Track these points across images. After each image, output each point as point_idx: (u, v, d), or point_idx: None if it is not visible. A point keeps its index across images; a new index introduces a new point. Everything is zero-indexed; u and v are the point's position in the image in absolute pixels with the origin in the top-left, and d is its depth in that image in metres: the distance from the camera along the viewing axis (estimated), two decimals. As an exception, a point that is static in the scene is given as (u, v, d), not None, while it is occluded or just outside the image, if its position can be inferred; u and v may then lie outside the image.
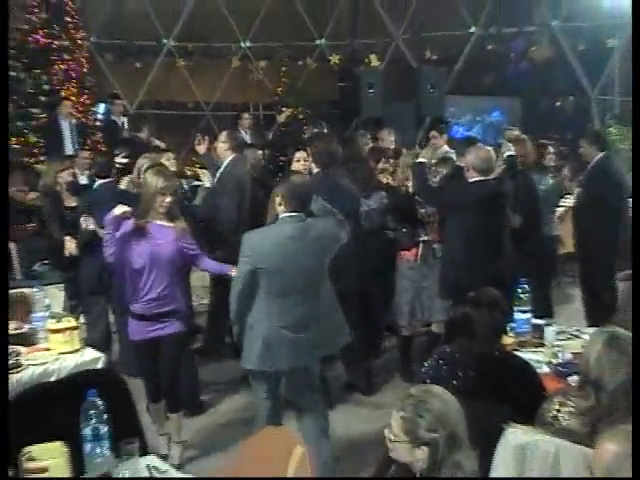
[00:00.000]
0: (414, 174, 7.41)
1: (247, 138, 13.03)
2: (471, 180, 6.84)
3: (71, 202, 8.33)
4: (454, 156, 8.92)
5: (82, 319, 7.77)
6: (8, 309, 4.79)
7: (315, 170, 7.23)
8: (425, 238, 7.48)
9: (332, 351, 5.91)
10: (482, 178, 6.78)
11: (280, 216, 5.57)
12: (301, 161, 7.97)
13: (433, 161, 8.03)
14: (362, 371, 7.77)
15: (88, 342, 6.31)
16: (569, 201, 9.94)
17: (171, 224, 6.06)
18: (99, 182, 7.95)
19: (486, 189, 6.76)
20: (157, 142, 13.05)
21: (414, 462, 3.37)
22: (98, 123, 15.24)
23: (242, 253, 5.54)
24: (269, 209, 5.73)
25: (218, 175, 8.05)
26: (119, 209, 5.88)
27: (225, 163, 8.21)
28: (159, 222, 6.03)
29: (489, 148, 7.22)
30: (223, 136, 8.42)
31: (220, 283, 6.41)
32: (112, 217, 5.87)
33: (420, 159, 7.39)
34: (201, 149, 8.66)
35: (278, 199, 5.58)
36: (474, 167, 6.79)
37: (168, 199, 5.99)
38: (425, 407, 3.36)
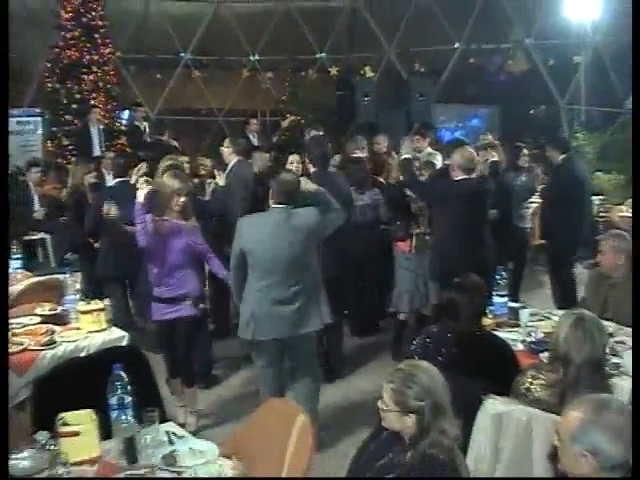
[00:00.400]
0: (403, 169, 7.38)
1: (255, 141, 13.02)
2: (457, 178, 6.81)
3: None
4: (438, 156, 8.92)
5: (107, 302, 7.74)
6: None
7: (312, 170, 7.24)
8: (418, 230, 7.46)
9: (313, 328, 5.84)
10: (466, 177, 6.76)
11: (270, 206, 5.72)
12: (294, 164, 7.93)
13: (423, 160, 8.08)
14: (339, 354, 7.71)
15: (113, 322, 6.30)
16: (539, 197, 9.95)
17: (184, 222, 6.11)
18: (116, 180, 7.94)
19: (470, 187, 6.75)
20: (174, 143, 13.12)
21: (404, 429, 3.39)
22: (123, 128, 15.26)
23: (235, 235, 5.69)
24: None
25: (224, 176, 8.02)
26: (140, 196, 5.89)
27: (230, 165, 8.24)
28: (174, 220, 6.08)
29: (472, 150, 7.21)
30: (226, 142, 8.49)
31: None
32: (139, 207, 5.87)
33: (405, 156, 7.37)
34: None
35: (270, 192, 5.73)
36: (459, 166, 6.77)
37: (183, 199, 6.06)
38: (413, 379, 3.37)
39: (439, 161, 9.02)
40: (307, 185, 5.96)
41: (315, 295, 5.83)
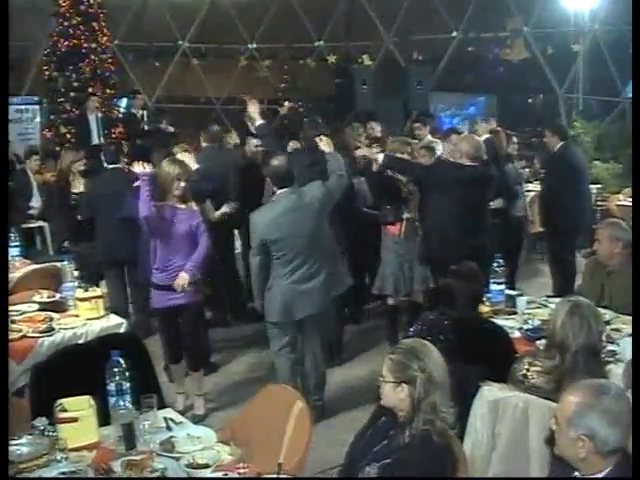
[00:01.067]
0: (388, 165, 7.31)
1: (252, 129, 13.00)
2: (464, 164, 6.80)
3: (80, 189, 8.31)
4: (439, 145, 8.91)
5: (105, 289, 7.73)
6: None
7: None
8: (408, 215, 7.43)
9: (338, 292, 6.25)
10: (473, 164, 6.75)
11: (276, 193, 5.94)
12: None
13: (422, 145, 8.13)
14: (337, 340, 7.71)
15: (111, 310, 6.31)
16: (539, 186, 9.93)
17: (184, 205, 6.13)
18: (110, 167, 7.98)
19: (476, 173, 6.73)
20: (170, 129, 13.15)
21: (398, 404, 3.43)
22: (121, 116, 15.23)
23: (251, 230, 5.91)
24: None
25: (191, 159, 8.04)
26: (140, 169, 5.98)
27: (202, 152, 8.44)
28: (175, 204, 6.08)
29: (479, 138, 7.20)
30: (202, 132, 8.75)
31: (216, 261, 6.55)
32: (145, 176, 5.91)
33: (380, 156, 7.30)
34: None
35: (271, 180, 6.02)
36: (467, 154, 6.75)
37: (183, 184, 6.08)
38: (413, 353, 3.45)
39: (440, 150, 9.00)
40: (324, 146, 6.36)
41: (335, 261, 6.20)
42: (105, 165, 8.34)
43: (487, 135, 8.15)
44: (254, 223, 5.87)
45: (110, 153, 8.22)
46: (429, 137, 9.81)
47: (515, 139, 9.62)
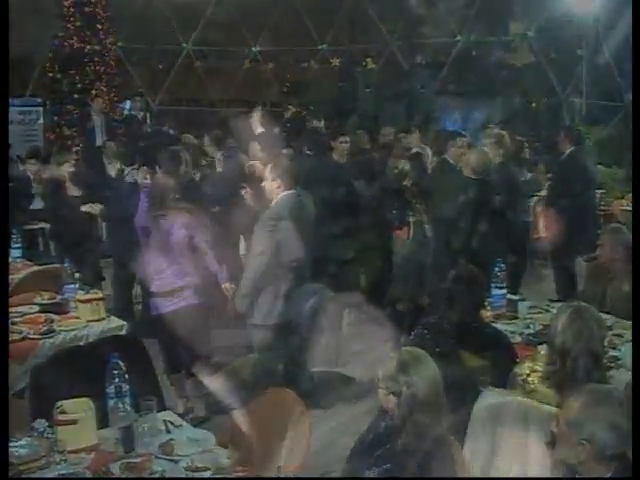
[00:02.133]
0: (413, 162, 7.41)
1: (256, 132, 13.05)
2: (471, 177, 6.80)
3: (74, 192, 8.27)
4: (427, 150, 8.92)
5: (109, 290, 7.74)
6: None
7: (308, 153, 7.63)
8: (413, 219, 7.42)
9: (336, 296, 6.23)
10: (480, 177, 6.76)
11: (279, 195, 5.83)
12: None
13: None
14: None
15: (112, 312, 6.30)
16: (543, 191, 9.91)
17: (179, 215, 6.12)
18: (127, 169, 8.04)
19: (483, 185, 6.74)
20: (172, 132, 13.18)
21: (390, 408, 3.49)
22: (122, 118, 15.26)
23: (266, 228, 5.81)
24: (262, 191, 6.05)
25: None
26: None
27: None
28: (170, 214, 6.08)
29: (488, 151, 7.19)
30: (207, 135, 9.01)
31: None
32: (147, 187, 6.14)
33: (415, 150, 7.43)
34: None
35: (276, 182, 5.81)
36: (474, 169, 6.76)
37: (178, 195, 6.13)
38: (405, 368, 3.46)
39: (428, 155, 9.03)
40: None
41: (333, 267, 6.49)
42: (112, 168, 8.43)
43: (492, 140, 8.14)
44: (273, 218, 5.81)
45: (123, 155, 8.32)
46: (415, 149, 9.78)
47: (526, 144, 9.62)
